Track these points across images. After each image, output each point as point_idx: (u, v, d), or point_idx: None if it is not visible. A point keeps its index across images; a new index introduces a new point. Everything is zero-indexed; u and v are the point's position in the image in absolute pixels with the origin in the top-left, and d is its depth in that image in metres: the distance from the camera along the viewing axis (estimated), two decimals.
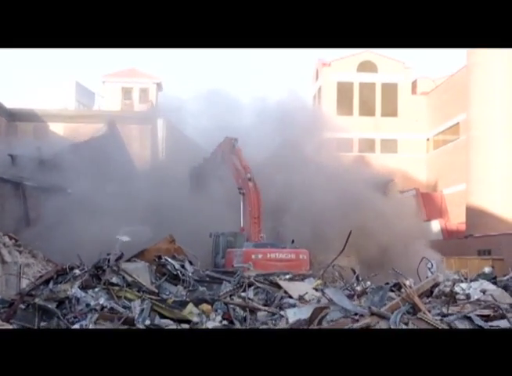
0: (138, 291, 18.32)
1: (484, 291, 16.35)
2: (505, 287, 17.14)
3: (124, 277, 18.91)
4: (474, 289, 16.56)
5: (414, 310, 13.31)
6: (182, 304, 17.83)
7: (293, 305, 17.64)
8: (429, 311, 13.77)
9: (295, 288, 19.67)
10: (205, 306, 17.73)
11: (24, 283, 23.16)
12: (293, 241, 33.27)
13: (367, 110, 65.10)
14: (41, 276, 19.54)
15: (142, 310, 16.70)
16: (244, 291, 19.38)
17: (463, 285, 16.90)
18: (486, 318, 13.85)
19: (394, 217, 40.49)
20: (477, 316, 13.84)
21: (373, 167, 48.25)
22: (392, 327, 12.71)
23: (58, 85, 73.50)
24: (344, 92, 64.81)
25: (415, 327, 12.61)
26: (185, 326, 16.27)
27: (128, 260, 20.67)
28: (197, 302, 18.01)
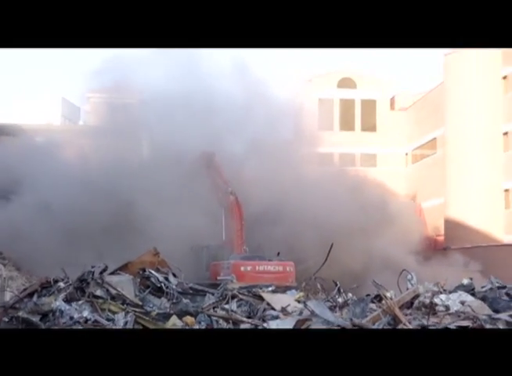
0: (122, 304, 18.24)
1: (463, 303, 16.32)
2: (483, 299, 17.10)
3: (108, 290, 18.82)
4: (453, 300, 16.50)
5: (395, 322, 13.24)
6: (166, 316, 17.78)
7: (276, 317, 17.56)
8: (409, 322, 13.68)
9: (278, 300, 19.61)
10: (188, 318, 17.66)
11: (8, 296, 22.99)
12: (278, 254, 33.32)
13: (347, 125, 65.28)
14: (25, 289, 19.38)
15: (126, 323, 16.65)
16: (227, 303, 19.33)
17: (443, 296, 16.82)
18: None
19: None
20: (456, 327, 13.79)
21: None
22: None
23: (43, 100, 73.19)
24: (324, 107, 64.97)
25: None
26: None
27: (112, 273, 20.58)
28: (181, 314, 17.95)
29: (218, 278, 27.32)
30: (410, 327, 13.16)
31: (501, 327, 13.96)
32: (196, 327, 17.34)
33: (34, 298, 18.19)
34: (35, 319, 16.50)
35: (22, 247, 30.03)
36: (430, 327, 13.64)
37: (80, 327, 16.02)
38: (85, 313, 17.01)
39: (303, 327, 14.90)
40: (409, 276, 21.45)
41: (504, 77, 49.72)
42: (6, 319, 16.65)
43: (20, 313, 16.75)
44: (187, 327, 15.23)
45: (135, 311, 17.69)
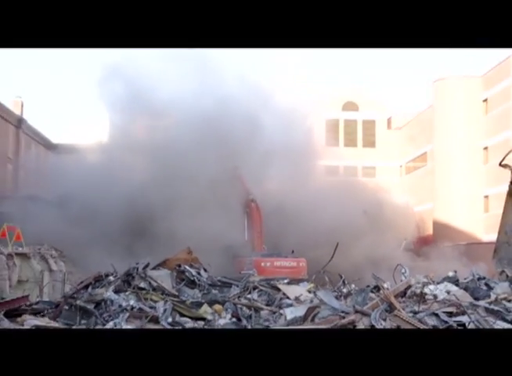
0: (162, 294, 18.29)
1: (448, 292, 16.31)
2: (465, 288, 17.09)
3: (150, 282, 18.90)
4: (440, 290, 16.50)
5: (391, 308, 13.31)
6: (198, 304, 17.82)
7: (291, 305, 17.60)
8: (403, 309, 13.76)
9: (292, 291, 19.65)
10: (217, 306, 17.72)
11: (68, 288, 23.15)
12: (293, 252, 33.37)
13: (350, 142, 65.30)
14: (81, 282, 19.50)
15: (165, 310, 16.69)
16: (250, 293, 19.36)
17: (431, 287, 16.83)
18: (450, 314, 13.85)
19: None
20: (443, 312, 13.84)
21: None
22: (373, 322, 12.71)
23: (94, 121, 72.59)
24: (331, 127, 65.03)
25: (393, 324, 12.59)
26: (201, 323, 16.26)
27: (153, 268, 20.66)
28: (211, 303, 18.00)
29: (242, 272, 27.35)
30: (404, 312, 13.21)
31: (481, 312, 13.97)
32: (224, 313, 17.42)
33: (89, 290, 18.29)
34: (90, 307, 16.61)
35: (77, 247, 30.16)
36: (420, 313, 13.71)
37: (127, 314, 16.07)
38: (131, 302, 17.09)
39: (313, 313, 15.01)
40: (403, 270, 21.51)
41: (484, 100, 49.99)
42: (66, 307, 16.74)
43: (78, 302, 16.84)
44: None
45: (173, 300, 17.75)
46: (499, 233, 25.25)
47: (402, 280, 18.58)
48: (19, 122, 53.06)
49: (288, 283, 20.92)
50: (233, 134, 39.64)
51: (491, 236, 27.74)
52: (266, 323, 15.90)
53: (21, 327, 12.94)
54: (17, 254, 22.46)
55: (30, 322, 14.24)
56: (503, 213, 25.23)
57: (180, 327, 15.69)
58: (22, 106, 54.56)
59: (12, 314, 16.32)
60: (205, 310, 17.38)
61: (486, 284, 17.71)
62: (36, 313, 16.67)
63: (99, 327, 15.40)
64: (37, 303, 18.91)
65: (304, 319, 14.97)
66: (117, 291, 17.94)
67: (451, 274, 19.01)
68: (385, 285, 17.87)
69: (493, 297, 15.99)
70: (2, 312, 15.81)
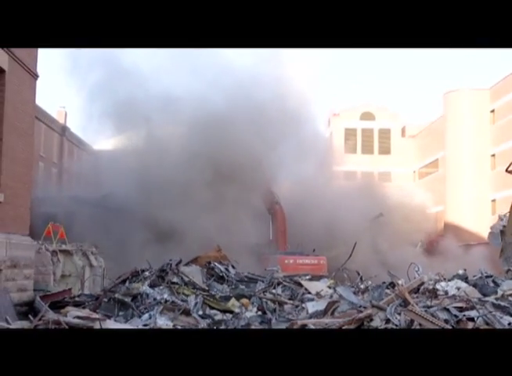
0: (193, 289, 18.34)
1: (458, 288, 16.19)
2: (474, 285, 16.96)
3: (182, 278, 18.96)
4: (451, 287, 16.38)
5: (405, 303, 13.22)
6: (227, 298, 17.89)
7: (312, 300, 17.61)
8: (416, 304, 13.65)
9: (313, 286, 19.64)
10: (244, 300, 17.77)
11: (107, 282, 23.26)
12: (314, 250, 33.34)
13: (367, 149, 65.12)
14: (119, 277, 19.59)
15: (196, 303, 16.77)
16: (274, 288, 19.38)
17: (443, 284, 16.71)
18: (460, 309, 13.72)
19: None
20: (454, 307, 13.72)
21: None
22: (388, 316, 12.62)
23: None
24: (349, 135, 65.07)
25: (407, 318, 12.48)
26: (229, 315, 16.25)
27: (185, 264, 20.71)
28: (238, 297, 18.05)
29: (267, 269, 27.35)
30: (417, 307, 13.11)
31: (488, 307, 13.84)
32: (250, 307, 17.42)
33: (127, 284, 18.38)
34: (127, 299, 16.68)
35: (115, 245, 30.24)
36: (433, 308, 13.60)
37: (161, 307, 16.08)
38: (165, 295, 17.13)
39: (333, 307, 14.94)
40: (416, 268, 21.35)
41: (492, 111, 49.91)
42: (105, 300, 16.82)
43: (116, 295, 16.92)
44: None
45: (203, 294, 17.81)
46: (506, 234, 25.07)
47: (415, 278, 18.44)
48: (63, 130, 53.53)
49: (310, 280, 20.92)
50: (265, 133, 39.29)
51: None
52: (289, 316, 15.85)
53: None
54: (61, 250, 22.58)
55: (72, 313, 14.28)
56: (510, 216, 25.06)
57: (210, 320, 15.71)
58: (65, 115, 54.98)
59: (56, 306, 16.43)
60: (233, 303, 17.42)
61: (493, 281, 17.57)
62: (78, 305, 16.77)
63: (135, 318, 15.45)
64: (79, 296, 19.04)
65: (324, 312, 14.92)
66: (152, 286, 18.01)
67: (461, 272, 18.85)
68: (400, 282, 17.78)
69: (500, 293, 15.84)
70: (47, 304, 15.90)
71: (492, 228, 28.83)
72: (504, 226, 27.69)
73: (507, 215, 28.05)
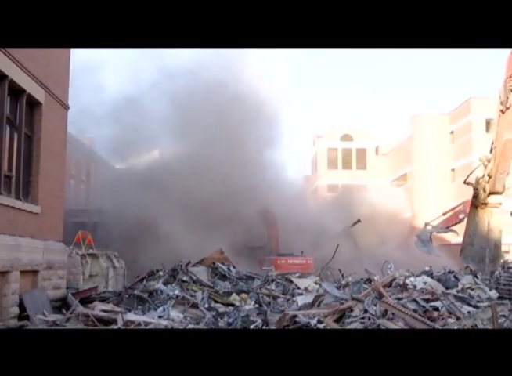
0: (200, 285, 18.33)
1: (425, 283, 16.20)
2: (439, 280, 16.97)
3: (191, 276, 18.95)
4: (419, 281, 16.39)
5: (380, 296, 13.23)
6: (229, 293, 17.90)
7: (301, 294, 17.59)
8: (390, 296, 13.68)
9: (302, 282, 19.63)
10: (243, 295, 17.77)
11: (127, 281, 23.24)
12: (302, 252, 33.33)
13: (347, 165, 65.35)
14: (137, 276, 19.59)
15: (203, 298, 16.74)
16: (269, 284, 19.38)
17: (412, 279, 16.71)
18: (427, 300, 13.74)
19: None
20: (421, 299, 13.75)
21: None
22: (366, 307, 12.63)
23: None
24: (331, 154, 65.42)
25: (381, 308, 12.48)
26: (231, 308, 16.24)
27: (193, 265, 20.71)
28: (238, 292, 18.06)
29: (262, 268, 27.31)
30: (390, 299, 13.11)
31: (450, 299, 13.85)
32: (249, 300, 17.41)
33: (144, 282, 18.38)
34: (145, 295, 16.67)
35: (134, 249, 30.03)
36: (403, 300, 13.60)
37: (173, 301, 16.06)
38: (177, 292, 17.10)
39: (318, 300, 14.95)
40: (389, 266, 21.37)
41: (451, 132, 50.36)
42: (126, 296, 16.80)
43: (135, 292, 16.92)
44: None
45: (209, 290, 17.81)
46: (464, 236, 25.13)
47: (388, 274, 18.47)
48: (90, 152, 53.55)
49: (299, 277, 20.89)
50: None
51: (458, 239, 27.49)
52: (282, 308, 15.85)
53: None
54: (89, 254, 22.56)
55: (98, 307, 14.30)
56: (467, 220, 25.14)
57: (214, 312, 15.70)
58: (92, 141, 54.87)
59: (85, 301, 16.44)
60: (234, 298, 17.43)
61: (454, 277, 17.60)
62: (103, 300, 16.75)
63: (151, 311, 15.43)
64: (104, 292, 19.01)
65: (311, 304, 14.93)
66: (165, 283, 17.99)
67: (427, 268, 18.90)
68: (375, 277, 17.82)
69: (460, 286, 15.88)
70: (78, 300, 15.92)
71: (418, 236, 28.66)
72: (431, 233, 27.84)
73: (431, 222, 28.30)
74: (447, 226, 28.12)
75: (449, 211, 28.43)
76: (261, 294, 17.77)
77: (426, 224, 28.66)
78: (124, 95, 39.40)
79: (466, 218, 25.61)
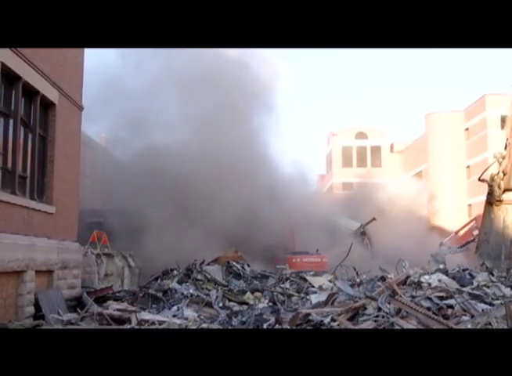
0: (215, 284, 18.36)
1: (439, 280, 16.12)
2: (453, 278, 16.87)
3: (205, 275, 18.99)
4: (433, 279, 16.30)
5: (394, 294, 13.18)
6: (243, 292, 17.87)
7: (315, 292, 17.56)
8: (403, 294, 13.61)
9: (316, 281, 19.59)
10: (258, 293, 17.75)
11: (142, 280, 23.33)
12: (317, 250, 33.25)
13: (361, 163, 65.08)
14: (152, 275, 19.66)
15: (217, 297, 16.75)
16: (283, 283, 19.35)
17: (426, 276, 16.63)
18: (441, 298, 13.66)
19: None
20: (435, 297, 13.67)
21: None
22: (380, 305, 12.57)
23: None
24: (346, 152, 65.19)
25: (395, 306, 12.42)
26: (245, 306, 16.24)
27: (208, 264, 20.75)
28: (252, 291, 18.03)
29: (277, 266, 27.31)
30: (404, 297, 13.04)
31: (465, 296, 13.76)
32: (263, 299, 17.39)
33: (158, 281, 18.45)
34: (159, 294, 16.72)
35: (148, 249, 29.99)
36: (417, 298, 13.53)
37: (188, 300, 16.06)
38: (191, 290, 17.16)
39: (332, 298, 14.91)
40: (404, 263, 21.26)
41: (466, 129, 50.10)
42: (141, 295, 16.86)
43: (150, 291, 16.99)
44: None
45: (223, 289, 17.84)
46: (480, 233, 24.94)
47: (402, 271, 18.38)
48: (104, 152, 53.44)
49: (313, 275, 20.87)
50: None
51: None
52: (296, 307, 15.83)
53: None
54: (104, 254, 22.68)
55: (113, 306, 14.36)
56: (483, 217, 24.93)
57: (229, 310, 15.71)
58: (105, 140, 54.71)
59: (100, 300, 16.52)
60: (248, 296, 17.41)
61: (469, 274, 17.47)
62: (118, 299, 16.82)
63: (166, 310, 15.46)
64: (119, 292, 19.10)
65: (325, 303, 14.88)
66: (179, 282, 18.05)
67: (441, 266, 18.78)
68: (389, 276, 17.74)
69: (475, 284, 15.77)
70: (92, 299, 16.00)
71: (432, 255, 28.61)
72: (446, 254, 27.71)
73: (445, 241, 28.22)
74: (462, 245, 28.16)
75: (461, 228, 28.45)
76: (275, 293, 17.74)
77: (441, 243, 28.61)
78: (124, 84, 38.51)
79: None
